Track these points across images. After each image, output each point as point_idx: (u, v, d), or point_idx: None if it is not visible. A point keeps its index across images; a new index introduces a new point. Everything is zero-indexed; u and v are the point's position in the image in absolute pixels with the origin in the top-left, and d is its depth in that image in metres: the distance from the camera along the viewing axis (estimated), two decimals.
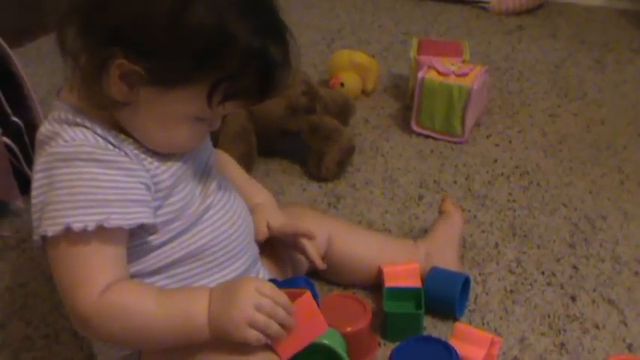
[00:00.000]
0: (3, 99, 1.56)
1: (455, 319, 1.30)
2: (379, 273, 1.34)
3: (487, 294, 1.37)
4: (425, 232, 1.52)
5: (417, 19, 2.74)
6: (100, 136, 0.97)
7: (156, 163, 1.01)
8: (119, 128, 0.99)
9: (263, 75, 0.96)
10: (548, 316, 1.32)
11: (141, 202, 0.97)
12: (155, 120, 0.98)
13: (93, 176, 0.94)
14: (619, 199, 1.66)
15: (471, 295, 1.36)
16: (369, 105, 2.09)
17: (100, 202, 0.94)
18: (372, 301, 1.34)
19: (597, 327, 1.30)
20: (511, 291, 1.38)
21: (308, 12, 2.74)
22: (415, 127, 1.92)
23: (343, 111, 1.90)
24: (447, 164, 1.80)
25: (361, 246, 1.36)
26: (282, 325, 0.97)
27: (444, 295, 1.29)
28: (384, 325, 1.27)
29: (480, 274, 1.42)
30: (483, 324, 1.30)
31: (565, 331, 1.29)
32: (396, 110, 2.06)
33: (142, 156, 1.00)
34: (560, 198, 1.67)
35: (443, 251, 1.38)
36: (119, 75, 0.93)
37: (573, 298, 1.36)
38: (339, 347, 1.13)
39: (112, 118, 0.99)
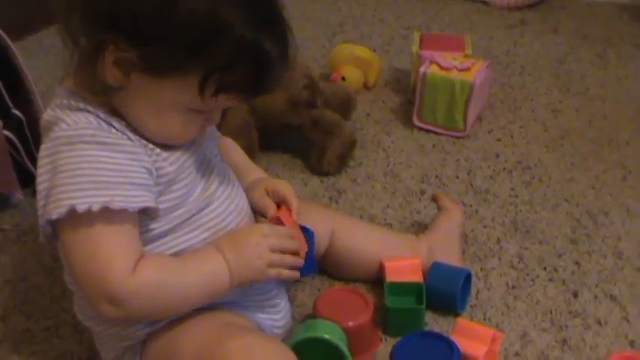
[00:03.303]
0: (4, 91, 1.55)
1: (456, 315, 1.30)
2: (381, 267, 1.34)
3: (489, 289, 1.37)
4: (426, 227, 1.52)
5: (419, 14, 2.73)
6: (103, 120, 0.97)
7: (158, 150, 1.01)
8: (119, 115, 0.99)
9: (256, 69, 0.96)
10: (550, 312, 1.32)
11: (144, 186, 0.98)
12: (148, 108, 0.98)
13: (96, 158, 0.95)
14: (621, 195, 1.66)
15: (473, 291, 1.36)
16: (371, 99, 2.08)
17: (103, 184, 0.94)
18: (374, 296, 1.33)
19: (599, 323, 1.29)
20: (513, 286, 1.38)
21: (309, 6, 2.73)
22: (417, 122, 1.92)
23: (345, 105, 1.89)
24: (449, 159, 1.80)
25: (363, 240, 1.36)
26: (292, 253, 1.09)
27: (446, 291, 1.29)
28: (386, 320, 1.27)
29: (481, 270, 1.42)
30: (485, 319, 1.30)
31: (567, 327, 1.29)
32: (397, 105, 2.06)
33: (144, 142, 1.00)
34: (562, 193, 1.66)
35: (445, 246, 1.38)
36: (113, 60, 0.94)
37: (575, 294, 1.36)
38: (340, 341, 1.14)
39: (111, 105, 0.99)
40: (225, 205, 1.10)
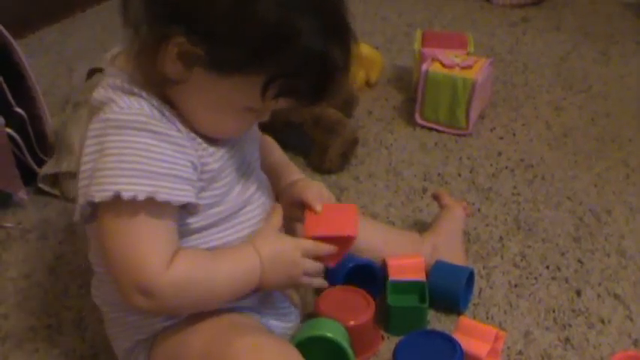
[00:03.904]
0: (6, 89, 1.55)
1: (459, 313, 1.29)
2: (383, 266, 1.33)
3: (491, 288, 1.37)
4: (428, 225, 1.51)
5: (421, 11, 2.73)
6: (156, 108, 0.96)
7: (204, 145, 1.00)
8: (171, 104, 0.98)
9: (321, 77, 0.96)
10: (553, 311, 1.31)
11: (188, 181, 0.97)
12: (205, 104, 0.98)
13: (146, 147, 0.94)
14: (624, 193, 1.65)
15: (476, 289, 1.36)
16: (373, 97, 2.08)
17: (149, 174, 0.93)
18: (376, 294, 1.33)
19: (602, 322, 1.29)
20: (515, 285, 1.37)
21: None
22: (419, 120, 1.92)
23: (347, 103, 1.89)
24: (451, 157, 1.80)
25: (366, 238, 1.35)
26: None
27: (449, 289, 1.29)
28: (388, 319, 1.27)
29: (484, 268, 1.41)
30: (488, 318, 1.30)
31: (570, 325, 1.28)
32: (399, 102, 2.05)
33: (192, 135, 0.99)
34: (564, 191, 1.66)
35: (449, 245, 1.37)
36: (177, 53, 0.93)
37: (578, 293, 1.36)
38: (343, 340, 1.13)
39: (164, 94, 0.98)
40: (260, 210, 1.10)
